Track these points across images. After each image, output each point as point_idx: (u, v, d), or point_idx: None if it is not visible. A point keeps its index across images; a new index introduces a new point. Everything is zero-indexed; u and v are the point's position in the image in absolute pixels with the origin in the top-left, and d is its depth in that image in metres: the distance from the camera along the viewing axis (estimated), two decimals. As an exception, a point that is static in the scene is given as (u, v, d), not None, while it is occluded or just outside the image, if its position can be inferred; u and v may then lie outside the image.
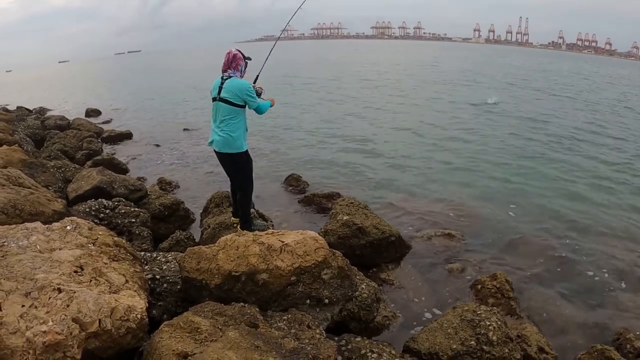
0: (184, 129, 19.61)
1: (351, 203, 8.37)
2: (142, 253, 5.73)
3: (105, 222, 7.20)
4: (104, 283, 3.71)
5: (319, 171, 13.57)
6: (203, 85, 38.14)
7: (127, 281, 3.90)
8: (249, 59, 7.16)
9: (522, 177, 13.41)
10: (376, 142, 17.15)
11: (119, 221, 7.40)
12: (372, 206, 9.90)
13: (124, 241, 4.71)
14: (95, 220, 7.01)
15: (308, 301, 4.47)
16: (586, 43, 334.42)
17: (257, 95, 7.00)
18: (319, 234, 7.46)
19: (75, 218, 4.76)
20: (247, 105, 6.88)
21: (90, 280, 3.66)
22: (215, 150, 7.00)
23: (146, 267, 5.09)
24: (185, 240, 7.64)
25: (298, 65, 66.50)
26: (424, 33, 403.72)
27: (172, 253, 5.90)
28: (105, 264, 4.01)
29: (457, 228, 9.59)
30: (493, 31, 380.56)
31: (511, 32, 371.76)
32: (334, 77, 42.23)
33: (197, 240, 8.03)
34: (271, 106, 7.26)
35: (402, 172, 13.52)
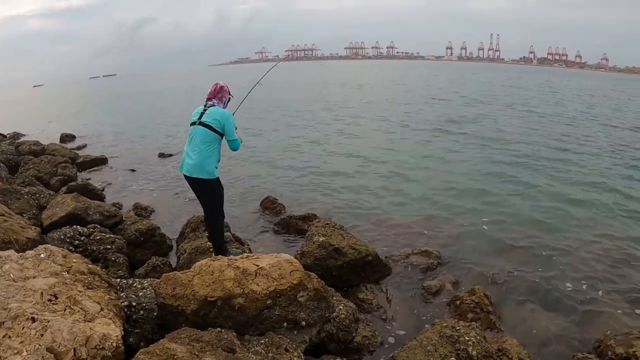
0: (159, 154, 19.50)
1: (327, 224, 8.42)
2: (118, 280, 5.68)
3: (81, 249, 7.14)
4: (79, 311, 3.69)
5: (294, 193, 13.64)
6: (177, 109, 38.13)
7: (102, 309, 3.88)
8: (232, 96, 7.36)
9: (492, 191, 13.73)
10: (349, 163, 17.32)
11: (95, 248, 7.33)
12: (349, 226, 9.99)
13: (98, 268, 4.68)
14: (71, 248, 6.97)
15: (285, 324, 4.48)
16: (557, 57, 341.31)
17: None
18: (295, 256, 7.51)
19: (49, 246, 4.73)
20: (224, 135, 6.97)
21: (65, 309, 3.64)
22: (185, 175, 6.97)
23: (122, 294, 5.05)
24: (162, 266, 7.62)
25: (269, 88, 66.77)
26: (397, 52, 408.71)
27: (148, 279, 5.87)
28: (80, 292, 3.99)
29: (433, 245, 9.71)
30: (465, 48, 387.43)
31: (483, 49, 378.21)
32: (304, 99, 42.37)
33: (173, 265, 8.00)
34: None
35: (375, 192, 13.65)
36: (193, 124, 6.93)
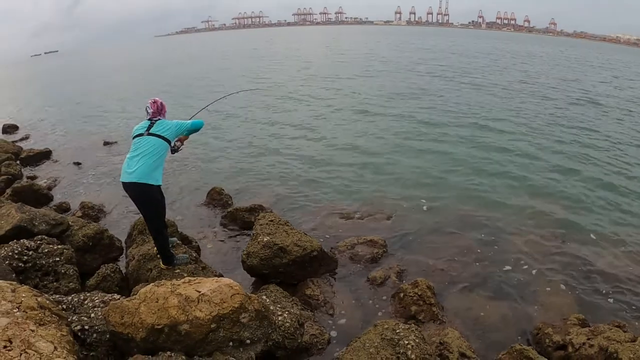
0: (104, 143, 19.32)
1: (271, 221, 8.64)
2: (69, 298, 5.83)
3: (30, 264, 7.20)
4: (34, 355, 3.86)
5: (240, 182, 13.81)
6: (121, 89, 37.21)
7: (55, 348, 4.06)
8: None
9: (428, 172, 14.19)
10: (287, 150, 17.38)
11: (44, 262, 7.37)
12: (294, 217, 10.30)
13: (47, 301, 4.80)
14: (20, 264, 7.05)
15: (231, 343, 4.77)
16: (505, 21, 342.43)
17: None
18: (242, 256, 7.75)
19: (-3, 281, 4.85)
20: (183, 133, 7.27)
21: (21, 354, 3.81)
22: (127, 184, 6.85)
23: (74, 317, 5.24)
24: (112, 274, 7.70)
25: (211, 61, 65.47)
26: (346, 18, 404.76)
27: (99, 295, 6.02)
28: (33, 331, 4.16)
29: (378, 233, 10.03)
30: (414, 13, 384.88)
31: (432, 14, 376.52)
32: (247, 78, 41.70)
33: (124, 271, 8.11)
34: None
35: (316, 178, 13.99)
36: (138, 135, 6.93)
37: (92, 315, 5.38)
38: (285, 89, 32.43)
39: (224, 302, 4.71)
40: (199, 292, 4.76)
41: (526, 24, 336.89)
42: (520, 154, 15.92)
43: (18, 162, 16.22)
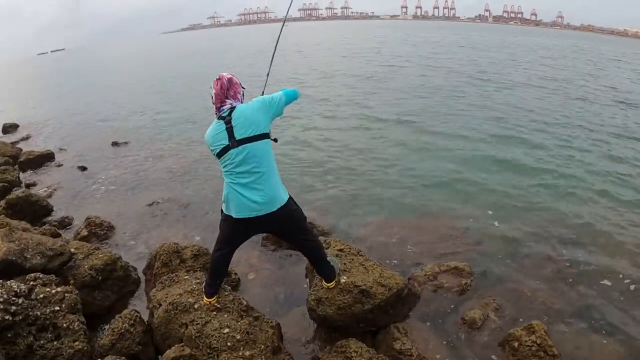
0: (113, 143, 17.20)
1: (340, 250, 6.61)
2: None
3: (20, 316, 5.18)
4: None
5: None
6: (128, 85, 35.73)
7: None
8: (244, 88, 5.22)
9: (476, 178, 12.13)
10: (321, 155, 14.70)
11: (39, 312, 5.31)
12: (351, 237, 8.61)
13: None
14: (6, 317, 5.05)
15: None
16: (512, 15, 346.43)
17: None
18: (309, 302, 5.84)
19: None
20: (279, 113, 5.10)
21: None
22: (250, 219, 4.98)
23: None
24: (132, 330, 5.53)
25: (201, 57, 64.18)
26: (352, 12, 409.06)
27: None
28: None
29: (457, 257, 8.10)
30: (420, 7, 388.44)
31: (438, 8, 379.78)
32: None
33: (145, 319, 5.99)
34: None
35: (366, 186, 11.79)
36: (226, 148, 4.81)
37: None
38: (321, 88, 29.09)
39: None
40: None
41: (533, 18, 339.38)
42: (588, 157, 13.78)
43: (16, 166, 14.22)
